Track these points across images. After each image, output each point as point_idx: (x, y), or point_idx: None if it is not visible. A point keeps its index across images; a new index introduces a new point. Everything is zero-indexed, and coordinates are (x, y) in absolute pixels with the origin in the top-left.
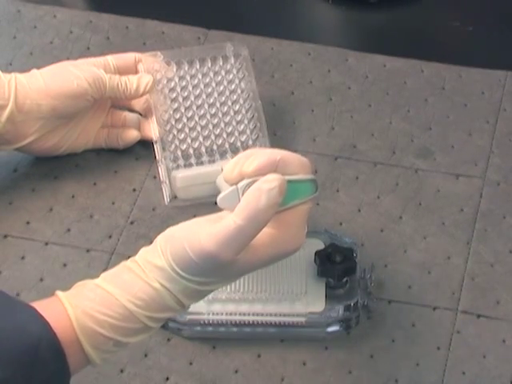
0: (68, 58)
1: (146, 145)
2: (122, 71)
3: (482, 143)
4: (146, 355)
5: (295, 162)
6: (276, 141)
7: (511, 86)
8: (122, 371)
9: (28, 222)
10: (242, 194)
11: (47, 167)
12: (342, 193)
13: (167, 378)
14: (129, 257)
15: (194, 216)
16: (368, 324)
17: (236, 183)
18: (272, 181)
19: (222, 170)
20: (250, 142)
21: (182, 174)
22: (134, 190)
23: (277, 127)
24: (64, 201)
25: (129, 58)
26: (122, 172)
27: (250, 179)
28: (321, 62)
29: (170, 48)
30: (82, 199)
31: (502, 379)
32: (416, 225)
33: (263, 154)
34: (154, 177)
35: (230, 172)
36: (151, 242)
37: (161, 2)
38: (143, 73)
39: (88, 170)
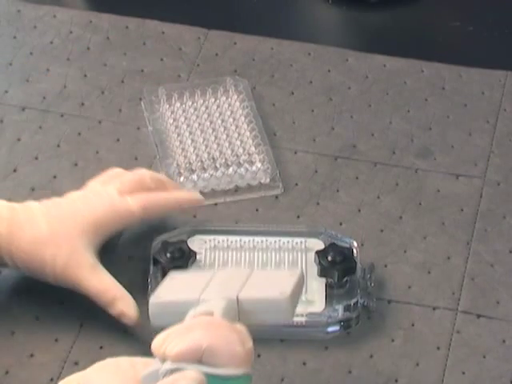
0: (68, 59)
1: (146, 145)
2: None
3: (482, 143)
4: (145, 355)
5: (225, 354)
6: (276, 141)
7: (511, 86)
8: None
9: None
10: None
11: (47, 167)
12: (342, 193)
13: None
14: (129, 257)
15: (194, 216)
16: (368, 324)
17: (163, 360)
18: (189, 380)
19: (199, 301)
20: (253, 149)
21: (154, 301)
22: None
23: (277, 127)
24: None
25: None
26: None
27: (174, 365)
28: (321, 62)
29: (169, 48)
30: None
31: (502, 379)
32: (416, 225)
33: (189, 340)
34: None
35: (157, 348)
36: (151, 243)
37: (161, 2)
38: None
39: (88, 170)
